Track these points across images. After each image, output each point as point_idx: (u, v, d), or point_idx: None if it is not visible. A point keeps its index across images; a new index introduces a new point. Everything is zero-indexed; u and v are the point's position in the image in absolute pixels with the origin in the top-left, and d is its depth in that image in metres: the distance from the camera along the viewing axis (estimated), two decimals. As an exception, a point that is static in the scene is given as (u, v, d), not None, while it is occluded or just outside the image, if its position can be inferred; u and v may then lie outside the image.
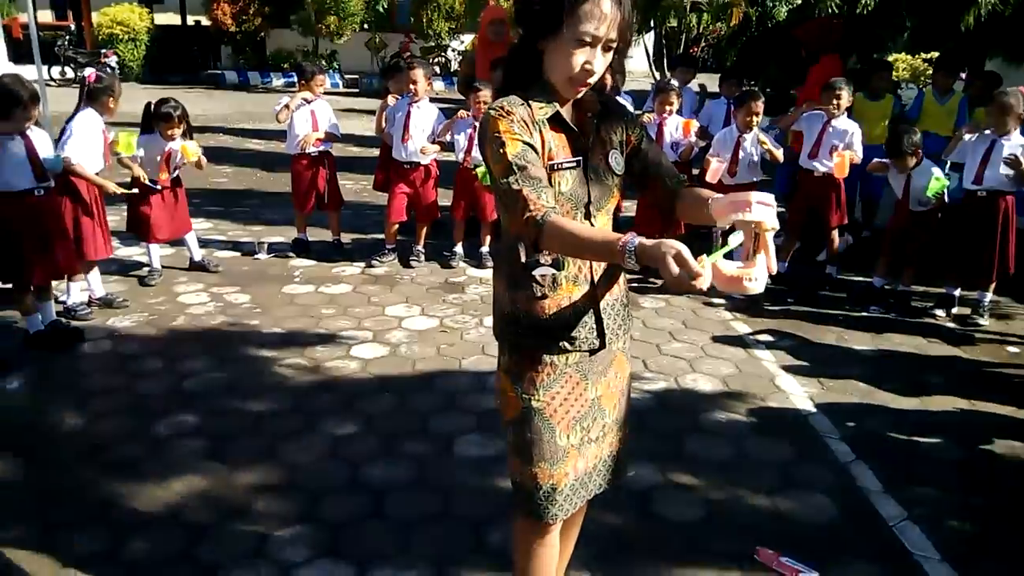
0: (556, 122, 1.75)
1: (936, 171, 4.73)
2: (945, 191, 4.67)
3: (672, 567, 2.54)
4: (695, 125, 5.29)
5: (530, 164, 1.64)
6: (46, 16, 27.12)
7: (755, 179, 5.28)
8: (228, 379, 3.75)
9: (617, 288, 1.87)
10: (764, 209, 1.51)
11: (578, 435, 1.86)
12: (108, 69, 17.52)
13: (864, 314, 4.89)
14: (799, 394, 3.79)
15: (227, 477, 2.95)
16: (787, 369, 4.07)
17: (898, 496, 2.95)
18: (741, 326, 4.66)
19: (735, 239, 1.53)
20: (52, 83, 17.84)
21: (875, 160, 4.97)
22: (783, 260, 5.43)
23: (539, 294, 1.76)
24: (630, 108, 5.50)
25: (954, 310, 4.89)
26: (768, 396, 3.76)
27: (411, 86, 5.28)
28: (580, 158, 1.76)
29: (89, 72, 4.50)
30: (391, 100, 5.66)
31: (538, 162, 1.67)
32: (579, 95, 1.73)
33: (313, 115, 5.44)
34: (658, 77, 15.37)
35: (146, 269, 5.13)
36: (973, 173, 4.59)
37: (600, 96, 1.81)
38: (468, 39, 19.70)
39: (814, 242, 5.69)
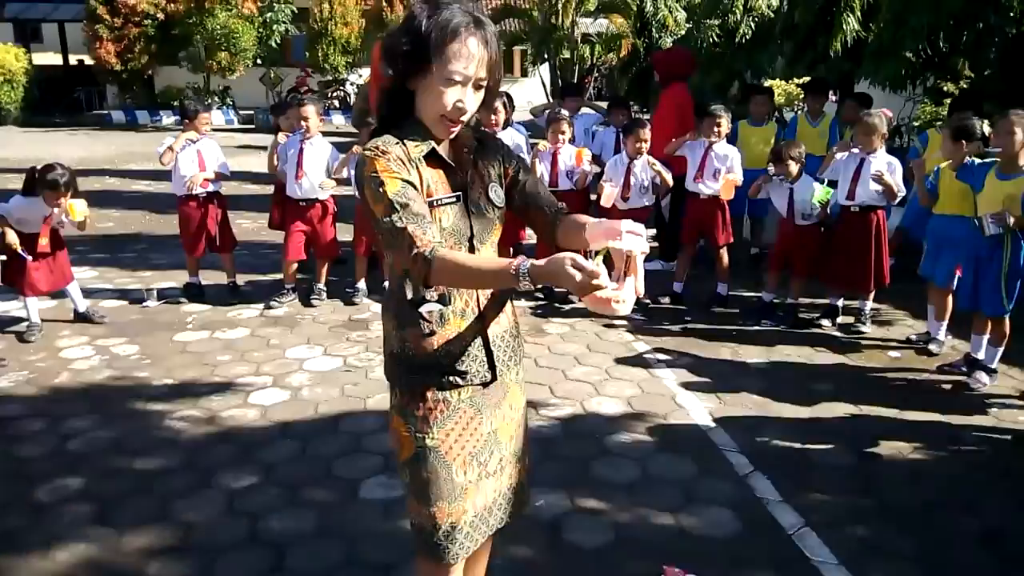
0: (433, 159, 1.75)
1: (817, 184, 5.01)
2: (830, 199, 4.93)
3: (583, 595, 2.55)
4: (587, 154, 5.43)
5: (411, 201, 1.63)
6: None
7: (647, 203, 5.46)
8: (115, 437, 3.55)
9: (505, 319, 1.88)
10: (633, 238, 1.58)
11: (475, 470, 1.85)
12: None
13: (756, 328, 5.10)
14: (699, 410, 3.90)
15: (116, 542, 2.78)
16: (686, 386, 4.19)
17: (795, 504, 3.06)
18: (642, 346, 4.77)
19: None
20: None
21: (754, 184, 5.22)
22: (679, 280, 5.61)
23: (427, 331, 1.75)
24: (523, 139, 5.69)
25: (839, 319, 5.16)
26: (670, 414, 3.85)
27: (302, 122, 5.21)
28: (459, 193, 1.77)
29: None
30: (282, 137, 5.56)
31: (419, 198, 1.66)
32: (452, 134, 1.74)
33: (200, 155, 5.28)
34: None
35: (24, 324, 4.82)
36: (846, 190, 4.88)
37: (475, 132, 1.84)
38: (367, 72, 19.65)
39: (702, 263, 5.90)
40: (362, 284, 5.60)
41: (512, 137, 5.75)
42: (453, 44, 1.62)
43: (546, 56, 18.04)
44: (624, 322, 5.16)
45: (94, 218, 8.36)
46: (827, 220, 5.06)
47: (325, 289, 5.53)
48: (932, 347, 4.64)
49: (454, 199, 1.75)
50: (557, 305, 5.48)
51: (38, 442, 3.49)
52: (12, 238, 4.51)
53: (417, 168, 1.70)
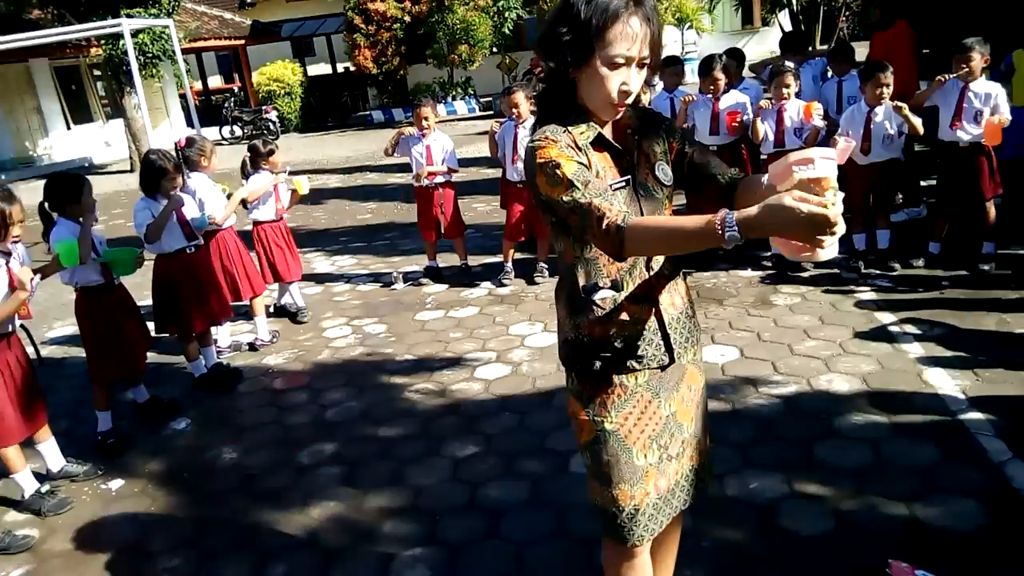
0: (599, 144, 1.74)
1: None
2: None
3: (795, 584, 2.41)
4: (818, 107, 4.97)
5: (591, 179, 1.62)
6: (216, 81, 30.26)
7: (892, 156, 4.89)
8: (364, 408, 3.99)
9: (680, 300, 1.83)
10: (829, 164, 1.37)
11: (655, 453, 1.83)
12: (270, 123, 19.24)
13: (1032, 292, 4.39)
14: (949, 388, 3.46)
15: (359, 502, 3.15)
16: (937, 361, 3.73)
17: (1065, 499, 2.62)
18: (887, 316, 4.32)
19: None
20: (224, 142, 19.81)
21: None
22: (936, 240, 4.99)
23: (601, 316, 1.76)
24: (748, 99, 5.37)
25: None
26: (914, 393, 3.47)
27: (513, 109, 5.39)
28: (628, 177, 1.74)
29: (178, 139, 4.96)
30: (495, 126, 5.79)
31: (595, 178, 1.65)
32: (618, 116, 1.72)
33: (428, 149, 5.67)
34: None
35: (293, 308, 5.55)
36: None
37: (636, 110, 1.80)
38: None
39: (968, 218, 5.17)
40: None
41: (735, 98, 5.47)
42: (616, 27, 1.58)
43: (785, 1, 16.73)
44: (866, 291, 4.71)
45: (355, 209, 9.46)
46: None
47: (547, 266, 5.71)
48: None
49: (624, 184, 1.72)
50: (789, 273, 5.14)
51: (303, 411, 4.04)
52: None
53: (586, 155, 1.69)
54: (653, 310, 1.77)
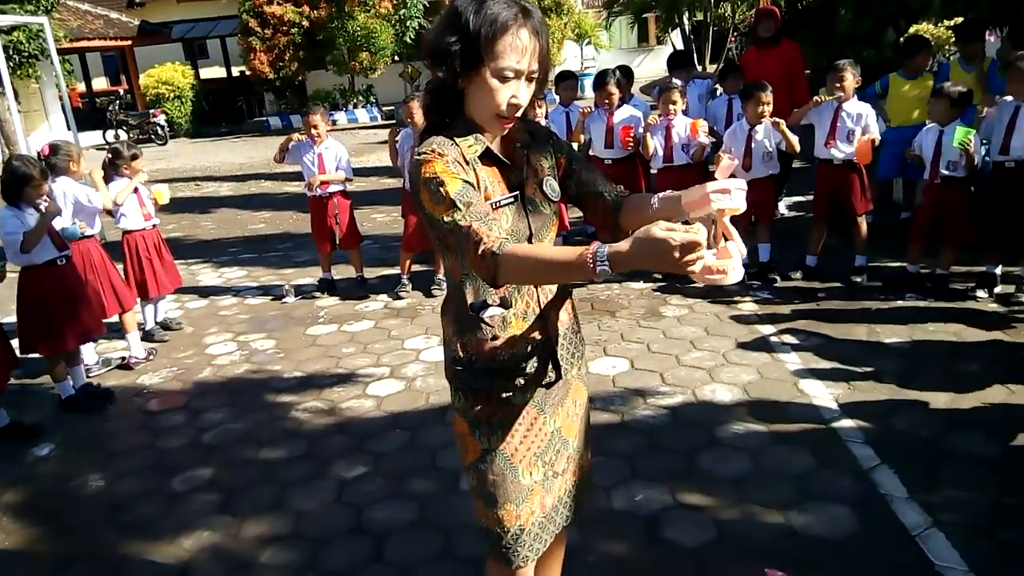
0: (487, 158, 1.70)
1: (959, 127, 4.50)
2: (973, 139, 4.39)
3: (676, 596, 2.44)
4: (703, 124, 5.16)
5: (474, 200, 1.58)
6: (102, 83, 28.67)
7: (772, 172, 5.11)
8: (246, 429, 3.81)
9: (567, 316, 1.83)
10: (742, 195, 1.43)
11: (541, 471, 1.81)
12: (158, 128, 18.39)
13: (899, 303, 4.66)
14: (823, 397, 3.62)
15: (236, 530, 2.99)
16: (812, 371, 3.90)
17: (923, 502, 2.77)
18: (767, 327, 4.49)
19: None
20: (107, 147, 18.75)
21: (908, 149, 4.75)
22: (812, 253, 5.24)
23: (489, 336, 1.72)
24: (641, 114, 5.49)
25: (996, 289, 4.61)
26: (790, 402, 3.61)
27: (408, 118, 5.33)
28: (516, 192, 1.71)
29: (41, 147, 4.63)
30: (394, 134, 5.71)
31: (479, 199, 1.61)
32: (506, 130, 1.69)
33: (320, 157, 5.53)
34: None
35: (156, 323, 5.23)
36: (999, 144, 4.33)
37: (524, 124, 1.78)
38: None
39: (841, 232, 5.46)
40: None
41: (628, 112, 5.59)
42: (505, 39, 1.56)
43: (677, 21, 17.37)
44: (748, 302, 4.90)
45: (247, 219, 9.12)
46: (976, 175, 4.52)
47: (445, 279, 5.64)
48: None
49: (512, 199, 1.70)
50: (678, 285, 5.28)
51: (179, 434, 3.82)
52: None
53: (474, 169, 1.65)
54: (542, 327, 1.76)
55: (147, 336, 5.11)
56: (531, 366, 1.74)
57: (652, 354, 4.25)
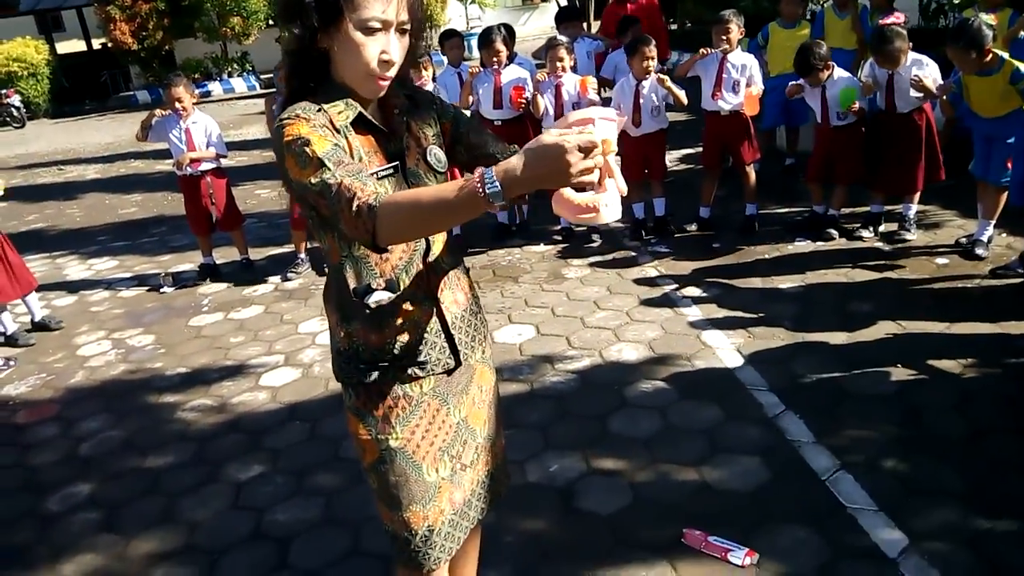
0: (361, 125, 1.51)
1: (846, 78, 4.59)
2: (857, 98, 4.52)
3: (597, 568, 2.38)
4: (592, 82, 5.05)
5: (345, 160, 1.38)
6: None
7: (662, 127, 5.08)
8: (126, 436, 3.50)
9: (463, 296, 1.68)
10: (608, 125, 1.27)
11: (448, 466, 1.67)
12: (13, 109, 16.84)
13: (790, 249, 4.76)
14: (726, 348, 3.64)
15: (122, 549, 2.73)
16: (713, 322, 3.92)
17: (830, 445, 2.81)
18: (667, 282, 4.49)
19: None
20: (-46, 133, 17.07)
21: (790, 84, 4.81)
22: (705, 205, 5.28)
23: (375, 323, 1.55)
24: (527, 74, 5.33)
25: (881, 228, 4.78)
26: (694, 355, 3.61)
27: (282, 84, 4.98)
28: (396, 163, 1.53)
29: None
30: (271, 103, 5.36)
31: (351, 160, 1.41)
32: (383, 91, 1.49)
33: (188, 133, 5.11)
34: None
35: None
36: (883, 102, 4.46)
37: (404, 88, 1.59)
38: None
39: (730, 182, 5.53)
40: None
41: (516, 72, 5.41)
42: None
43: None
44: (647, 258, 4.89)
45: (117, 203, 8.46)
46: (864, 118, 4.64)
47: (304, 260, 5.37)
48: (978, 250, 4.23)
49: (391, 171, 1.52)
50: (580, 247, 5.22)
51: (51, 448, 3.47)
52: None
53: (346, 137, 1.45)
54: (434, 310, 1.60)
55: (9, 341, 4.63)
56: (426, 353, 1.59)
57: (557, 318, 4.17)
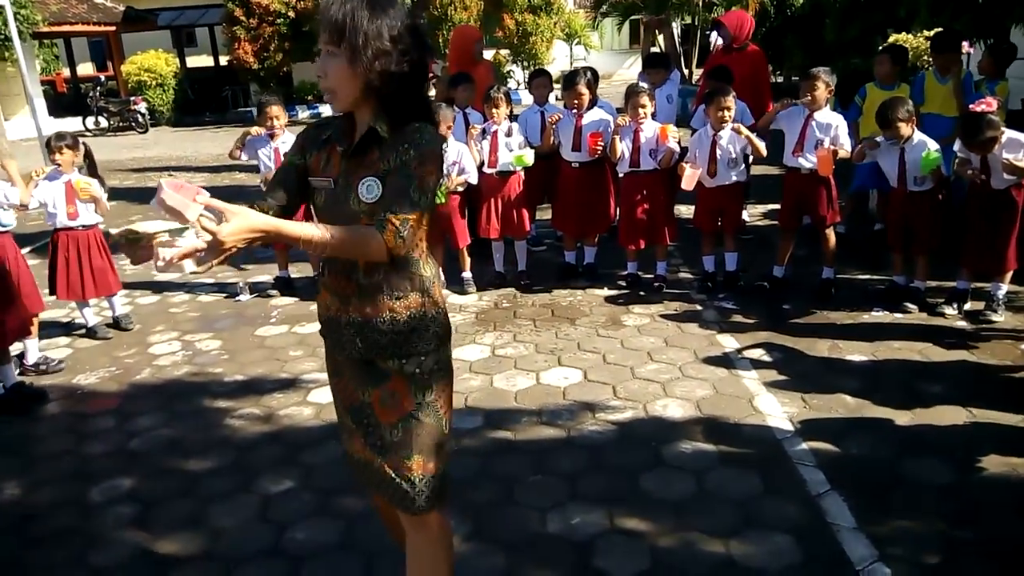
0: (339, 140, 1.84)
1: (931, 144, 4.37)
2: (941, 165, 4.31)
3: (601, 632, 2.29)
4: (672, 130, 4.99)
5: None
6: (87, 68, 28.29)
7: (736, 178, 4.97)
8: (175, 436, 3.63)
9: (370, 309, 1.84)
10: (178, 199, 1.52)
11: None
12: (139, 115, 18.06)
13: (865, 318, 4.53)
14: (778, 415, 3.47)
15: (148, 546, 2.81)
16: (770, 386, 3.75)
17: (871, 533, 2.63)
18: (728, 340, 4.34)
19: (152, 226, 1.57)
20: (88, 133, 18.48)
21: (858, 147, 4.63)
22: (779, 264, 5.10)
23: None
24: (611, 118, 5.31)
25: (967, 306, 4.49)
26: (743, 419, 3.46)
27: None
28: (330, 178, 1.81)
29: None
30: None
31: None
32: (338, 107, 1.76)
33: (277, 152, 5.34)
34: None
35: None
36: (979, 179, 4.23)
37: (382, 119, 1.74)
38: (491, 54, 19.63)
39: (810, 242, 5.32)
40: (467, 274, 5.47)
41: (597, 115, 5.41)
42: (321, 17, 1.69)
43: (666, 23, 17.23)
44: (712, 313, 4.75)
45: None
46: (945, 182, 4.40)
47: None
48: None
49: (325, 182, 1.82)
50: (642, 293, 5.13)
51: (105, 440, 3.64)
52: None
53: (322, 149, 1.86)
54: (332, 304, 1.92)
55: (89, 334, 4.92)
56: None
57: (607, 365, 4.09)
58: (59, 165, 4.57)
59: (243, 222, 1.55)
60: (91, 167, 4.78)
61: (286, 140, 5.41)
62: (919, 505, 2.78)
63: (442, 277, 5.30)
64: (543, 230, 6.45)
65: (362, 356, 1.87)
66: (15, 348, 4.30)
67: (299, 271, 5.88)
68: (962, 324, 4.35)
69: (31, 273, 4.36)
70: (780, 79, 16.89)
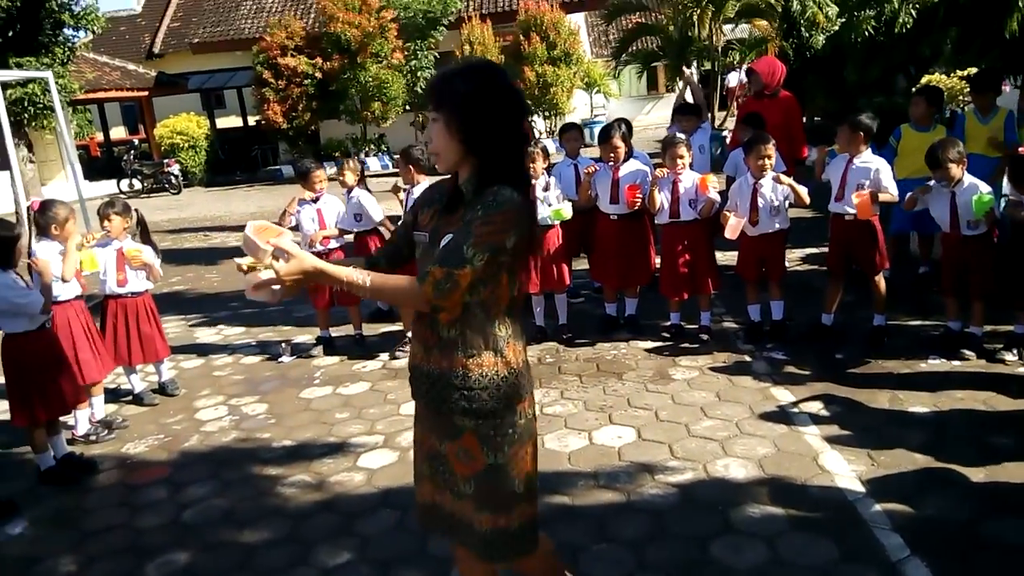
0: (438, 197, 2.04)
1: (982, 186, 4.29)
2: (994, 208, 4.24)
3: None
4: (712, 180, 4.97)
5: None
6: (120, 132, 29.12)
7: (781, 227, 4.92)
8: (228, 507, 3.58)
9: (436, 359, 1.93)
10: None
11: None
12: (172, 177, 18.49)
13: (922, 366, 4.41)
14: (845, 474, 3.36)
15: (208, 626, 2.76)
16: (832, 442, 3.64)
17: (961, 602, 2.50)
18: (783, 393, 4.24)
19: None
20: (122, 196, 18.88)
21: (908, 197, 4.56)
22: (828, 312, 5.00)
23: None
24: (648, 168, 5.30)
25: (1027, 352, 4.36)
26: (810, 479, 3.35)
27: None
28: (427, 232, 1.97)
29: (32, 201, 4.47)
30: (400, 185, 5.60)
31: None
32: (442, 170, 1.94)
33: (320, 213, 5.40)
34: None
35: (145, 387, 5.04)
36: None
37: (483, 181, 1.86)
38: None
39: (858, 288, 5.23)
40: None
41: (634, 167, 5.39)
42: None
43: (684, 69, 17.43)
44: (762, 364, 4.66)
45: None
46: (1000, 226, 4.31)
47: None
48: None
49: (423, 236, 1.99)
50: (686, 345, 5.06)
51: (158, 511, 3.60)
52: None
53: (435, 204, 2.01)
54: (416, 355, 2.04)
55: (136, 400, 4.93)
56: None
57: (660, 423, 4.01)
58: (108, 232, 4.64)
59: (296, 264, 1.77)
60: (143, 233, 4.84)
61: (327, 201, 5.47)
62: (1008, 571, 2.64)
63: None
64: (579, 281, 6.42)
65: (438, 408, 1.94)
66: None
67: (339, 330, 5.88)
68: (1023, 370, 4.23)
69: (91, 341, 4.40)
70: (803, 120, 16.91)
